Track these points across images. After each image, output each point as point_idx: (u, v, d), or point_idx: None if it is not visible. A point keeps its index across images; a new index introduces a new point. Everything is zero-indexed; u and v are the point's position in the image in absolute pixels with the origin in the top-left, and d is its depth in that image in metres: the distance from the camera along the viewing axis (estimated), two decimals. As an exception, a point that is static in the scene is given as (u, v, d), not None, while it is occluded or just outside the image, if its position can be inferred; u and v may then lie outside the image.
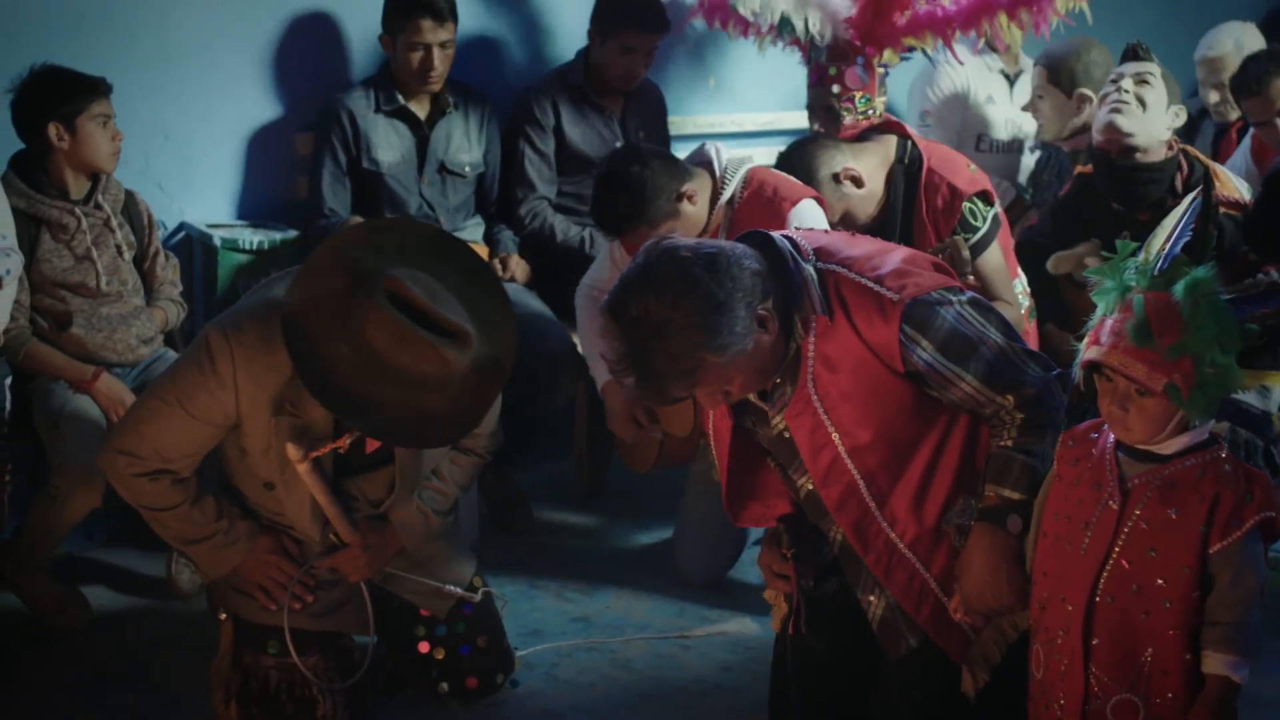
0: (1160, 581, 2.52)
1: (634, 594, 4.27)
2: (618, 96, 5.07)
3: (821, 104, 4.82)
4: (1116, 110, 4.23)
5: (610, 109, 5.07)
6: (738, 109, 5.65)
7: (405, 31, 4.67)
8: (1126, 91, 4.23)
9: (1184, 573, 2.51)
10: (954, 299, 2.75)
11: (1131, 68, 4.30)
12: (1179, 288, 2.47)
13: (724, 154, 4.15)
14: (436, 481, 3.52)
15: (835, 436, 2.76)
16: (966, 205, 4.20)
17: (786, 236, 2.79)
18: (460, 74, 4.94)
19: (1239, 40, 5.38)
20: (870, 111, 4.78)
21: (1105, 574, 2.56)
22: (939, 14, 4.71)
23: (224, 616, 3.39)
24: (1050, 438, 2.77)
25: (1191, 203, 2.59)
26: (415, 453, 3.38)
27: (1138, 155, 4.24)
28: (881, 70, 4.82)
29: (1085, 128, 5.07)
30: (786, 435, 2.83)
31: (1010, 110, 5.51)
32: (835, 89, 4.76)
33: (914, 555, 2.81)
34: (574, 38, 5.28)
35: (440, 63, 4.69)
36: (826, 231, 2.97)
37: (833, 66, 4.75)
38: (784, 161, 4.28)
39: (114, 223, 4.09)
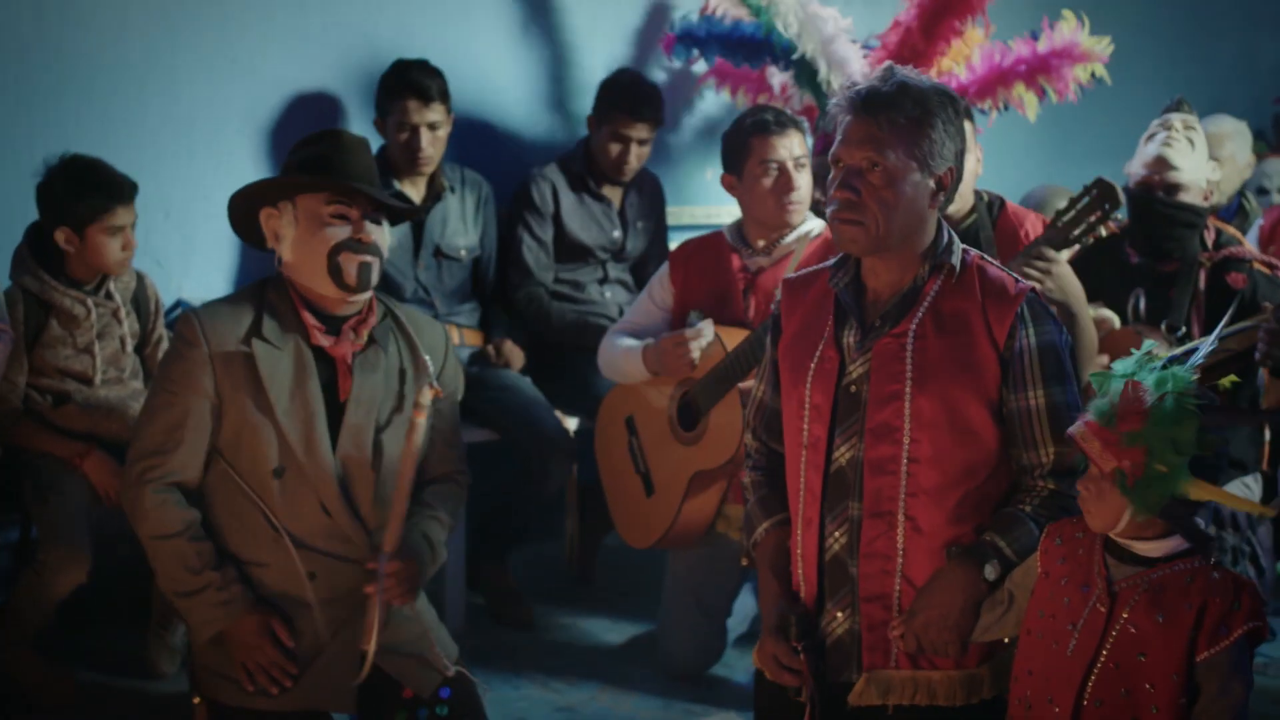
0: (1148, 686, 2.49)
1: (620, 685, 4.24)
2: (617, 185, 5.10)
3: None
4: (1168, 145, 4.18)
5: (609, 198, 5.09)
6: (735, 200, 5.67)
7: (394, 113, 4.70)
8: (1178, 130, 4.20)
9: (1172, 679, 2.48)
10: (1064, 331, 2.87)
11: (1179, 116, 4.27)
12: (1152, 379, 2.49)
13: None
14: (427, 510, 3.45)
15: (908, 389, 2.77)
16: None
17: None
18: (461, 157, 4.97)
19: (1239, 128, 5.56)
20: None
21: (1094, 677, 2.54)
22: (953, 85, 4.69)
23: (198, 700, 3.35)
24: None
25: (1231, 320, 2.61)
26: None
27: (1181, 194, 4.16)
28: None
29: None
30: (854, 390, 2.82)
31: None
32: None
33: (902, 554, 2.78)
34: (576, 124, 5.33)
35: (429, 145, 4.70)
36: None
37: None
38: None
39: (122, 313, 4.06)
